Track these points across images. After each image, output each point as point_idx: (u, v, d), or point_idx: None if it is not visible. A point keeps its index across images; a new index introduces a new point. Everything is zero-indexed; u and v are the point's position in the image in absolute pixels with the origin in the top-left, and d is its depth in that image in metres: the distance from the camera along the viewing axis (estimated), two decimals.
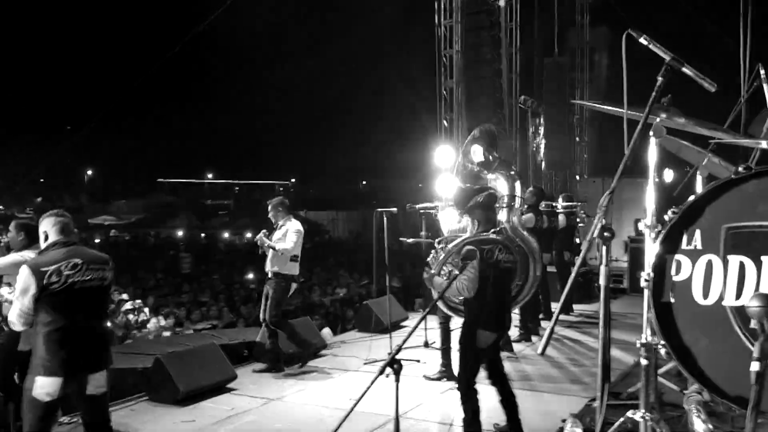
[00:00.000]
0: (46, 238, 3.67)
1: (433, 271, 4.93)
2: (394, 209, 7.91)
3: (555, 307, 9.16)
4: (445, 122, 13.37)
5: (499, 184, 6.12)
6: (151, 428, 5.23)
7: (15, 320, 3.50)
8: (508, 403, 4.58)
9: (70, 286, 3.47)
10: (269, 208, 7.06)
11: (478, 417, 4.40)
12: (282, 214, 6.95)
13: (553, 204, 9.30)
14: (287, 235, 6.81)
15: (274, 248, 6.72)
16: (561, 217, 9.26)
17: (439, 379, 6.42)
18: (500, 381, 4.64)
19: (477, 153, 6.05)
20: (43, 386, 3.41)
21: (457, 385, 4.54)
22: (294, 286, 6.97)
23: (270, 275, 6.85)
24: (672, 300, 2.92)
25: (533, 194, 8.43)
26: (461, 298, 4.63)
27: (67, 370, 3.45)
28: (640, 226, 2.89)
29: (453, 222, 6.48)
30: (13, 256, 4.78)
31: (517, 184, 6.13)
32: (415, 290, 13.94)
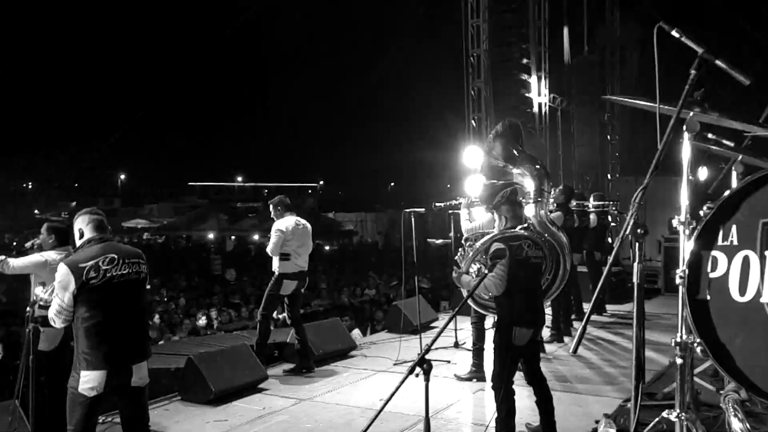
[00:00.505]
0: (82, 235, 3.73)
1: (461, 270, 4.92)
2: (423, 209, 7.89)
3: (587, 307, 9.06)
4: (473, 122, 13.33)
5: (525, 179, 6.02)
6: (183, 428, 5.30)
7: (54, 317, 3.56)
8: (545, 403, 4.54)
9: (108, 281, 3.53)
10: (270, 207, 7.13)
11: (512, 416, 4.37)
12: (279, 213, 6.97)
13: (585, 203, 9.19)
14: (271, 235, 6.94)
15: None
16: (592, 216, 9.15)
17: (470, 379, 6.39)
18: (538, 381, 4.61)
19: (500, 148, 5.98)
20: (88, 381, 3.46)
21: (491, 384, 4.51)
22: (290, 283, 6.90)
23: None
24: (708, 297, 2.85)
25: (562, 192, 8.34)
26: (491, 295, 4.60)
27: (110, 362, 3.50)
28: (674, 222, 2.84)
29: (469, 220, 6.46)
30: (34, 256, 4.91)
31: (545, 179, 6.01)
32: (441, 292, 13.91)
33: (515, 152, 6.00)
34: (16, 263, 4.89)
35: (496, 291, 4.32)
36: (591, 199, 9.43)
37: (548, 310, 8.21)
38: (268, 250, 6.93)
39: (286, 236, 6.82)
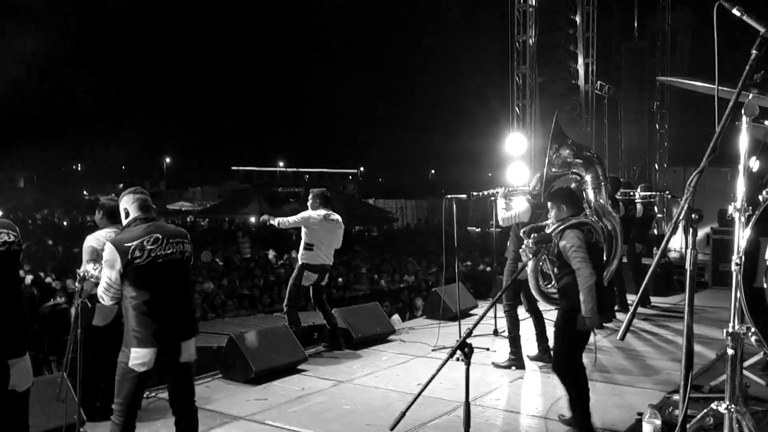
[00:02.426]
0: (127, 215, 3.78)
1: (525, 261, 4.79)
2: (464, 196, 7.83)
3: (630, 298, 8.89)
4: (517, 109, 13.14)
5: (581, 167, 5.95)
6: (225, 405, 5.38)
7: (103, 294, 3.63)
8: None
9: (153, 260, 3.58)
10: (309, 196, 7.18)
11: (585, 401, 4.37)
12: (317, 204, 7.00)
13: (631, 192, 8.99)
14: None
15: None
16: (639, 207, 8.94)
17: (508, 366, 6.33)
18: (577, 371, 4.55)
19: (564, 155, 5.87)
20: (138, 357, 3.54)
21: (558, 370, 4.52)
22: (311, 275, 6.96)
23: None
24: (765, 285, 2.75)
25: (609, 183, 8.21)
26: (553, 284, 4.57)
27: (160, 339, 3.57)
28: (730, 209, 2.74)
29: (506, 209, 6.38)
30: (90, 241, 4.98)
31: (601, 166, 5.95)
32: (483, 278, 13.79)
33: (574, 159, 5.92)
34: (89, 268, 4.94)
35: (591, 275, 4.24)
36: (638, 189, 9.21)
37: None
38: (279, 220, 7.03)
39: (311, 224, 6.87)
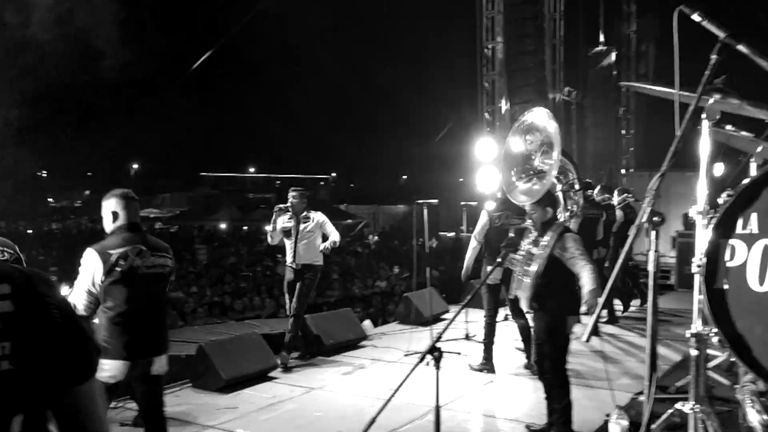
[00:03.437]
0: (115, 218, 3.60)
1: (519, 271, 4.77)
2: (435, 200, 7.87)
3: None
4: (486, 115, 13.24)
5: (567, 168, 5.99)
6: (194, 414, 5.31)
7: (78, 303, 3.47)
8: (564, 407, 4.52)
9: (133, 272, 3.47)
10: (302, 199, 6.94)
11: (570, 410, 4.40)
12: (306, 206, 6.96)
13: (609, 197, 9.12)
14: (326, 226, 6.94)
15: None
16: (619, 213, 8.94)
17: (480, 370, 6.37)
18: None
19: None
20: (109, 369, 3.43)
21: (548, 377, 4.51)
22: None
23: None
24: (726, 287, 2.80)
25: (602, 190, 8.62)
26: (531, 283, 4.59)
27: (131, 352, 3.48)
28: (692, 212, 2.79)
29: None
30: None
31: (575, 170, 6.02)
32: (455, 284, 13.83)
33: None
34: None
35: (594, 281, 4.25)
36: (615, 193, 9.28)
37: None
38: (338, 238, 6.97)
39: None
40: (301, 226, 6.80)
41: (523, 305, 4.68)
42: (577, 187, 5.76)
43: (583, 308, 4.12)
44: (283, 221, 6.84)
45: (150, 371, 3.60)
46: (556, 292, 4.41)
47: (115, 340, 3.45)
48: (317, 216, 6.91)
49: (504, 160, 4.81)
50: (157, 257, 3.60)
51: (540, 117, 4.65)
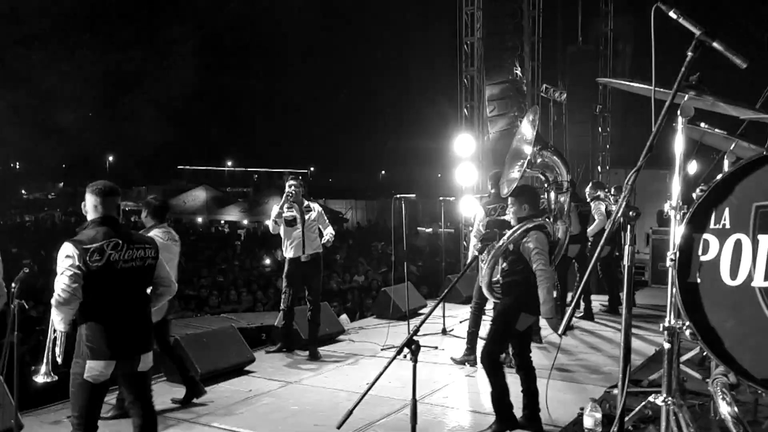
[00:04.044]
0: (94, 210, 3.54)
1: (487, 260, 4.80)
2: (413, 195, 7.87)
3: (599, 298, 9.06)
4: (465, 110, 13.26)
5: (549, 168, 6.00)
6: (169, 408, 5.27)
7: (61, 301, 3.32)
8: (531, 392, 4.58)
9: (111, 266, 3.39)
10: (301, 188, 6.81)
11: (507, 393, 4.45)
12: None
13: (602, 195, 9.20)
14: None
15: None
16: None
17: (463, 362, 6.43)
18: (527, 369, 4.66)
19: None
20: (94, 369, 3.36)
21: (481, 363, 4.57)
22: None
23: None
24: (698, 280, 2.85)
25: (594, 186, 8.79)
26: (497, 277, 4.61)
27: (114, 352, 3.40)
28: (666, 207, 2.83)
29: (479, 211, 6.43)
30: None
31: (568, 169, 6.02)
32: (433, 279, 13.90)
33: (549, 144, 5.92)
34: None
35: (552, 275, 4.34)
36: (612, 190, 9.33)
37: None
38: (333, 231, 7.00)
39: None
40: (306, 216, 6.73)
41: (485, 293, 4.80)
42: (564, 188, 5.75)
43: (542, 319, 4.22)
44: (284, 210, 6.70)
45: (136, 368, 3.54)
46: (513, 288, 4.46)
47: (98, 339, 3.36)
48: (316, 206, 6.89)
49: (509, 155, 4.87)
50: (134, 250, 3.51)
51: (532, 113, 4.76)
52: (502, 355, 4.61)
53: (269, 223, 6.89)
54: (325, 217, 6.98)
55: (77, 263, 3.31)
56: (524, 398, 4.60)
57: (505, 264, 4.55)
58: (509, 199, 4.66)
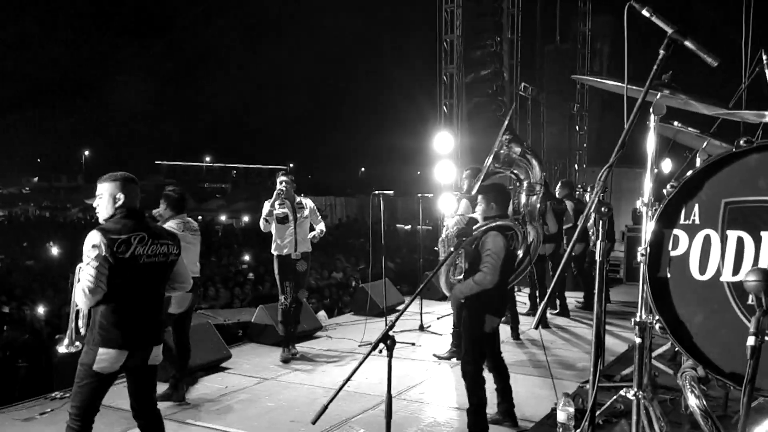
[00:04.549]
0: (115, 202, 3.48)
1: (444, 256, 4.82)
2: (391, 192, 7.88)
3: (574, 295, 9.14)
4: (444, 108, 13.30)
5: (523, 168, 5.82)
6: None
7: (87, 290, 3.28)
8: (505, 391, 4.60)
9: (135, 259, 3.35)
10: (293, 183, 6.64)
11: (484, 409, 4.38)
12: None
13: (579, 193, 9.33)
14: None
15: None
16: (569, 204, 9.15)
17: (449, 358, 6.49)
18: (500, 369, 4.65)
19: (511, 153, 5.77)
20: (106, 358, 3.32)
21: (462, 373, 4.48)
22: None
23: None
24: (668, 275, 2.89)
25: (563, 186, 8.84)
26: (459, 278, 4.61)
27: (128, 343, 3.36)
28: (638, 204, 2.86)
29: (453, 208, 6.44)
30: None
31: (541, 171, 5.89)
32: (411, 275, 13.93)
33: (525, 144, 5.83)
34: None
35: (490, 283, 4.24)
36: (588, 189, 9.48)
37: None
38: (324, 227, 6.88)
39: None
40: (298, 213, 6.56)
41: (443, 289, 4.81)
42: (537, 189, 5.73)
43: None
44: (276, 207, 6.50)
45: (147, 361, 3.49)
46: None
47: (113, 328, 3.33)
48: (309, 202, 6.75)
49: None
50: (158, 245, 3.47)
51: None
52: (483, 366, 4.48)
53: (260, 221, 6.62)
54: (318, 214, 6.85)
55: (104, 253, 3.28)
56: (498, 395, 4.62)
57: (466, 264, 4.51)
58: (478, 197, 4.65)
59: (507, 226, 4.43)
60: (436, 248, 5.66)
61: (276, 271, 6.64)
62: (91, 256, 3.29)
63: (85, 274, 3.30)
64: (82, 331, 3.61)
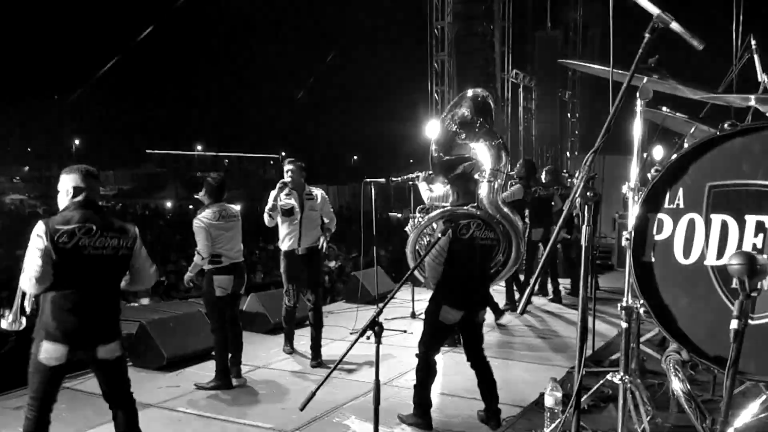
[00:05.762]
0: (69, 194, 3.43)
1: (410, 239, 4.86)
2: (383, 180, 7.87)
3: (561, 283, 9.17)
4: (436, 95, 13.28)
5: (481, 154, 5.59)
6: (135, 393, 5.18)
7: (32, 278, 3.25)
8: (488, 388, 4.50)
9: (78, 251, 3.30)
10: (301, 173, 6.12)
11: (426, 387, 4.38)
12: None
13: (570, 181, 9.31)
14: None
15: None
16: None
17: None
18: (480, 366, 4.53)
19: (461, 113, 5.69)
20: (49, 351, 3.29)
21: (417, 352, 4.47)
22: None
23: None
24: (653, 259, 2.90)
25: (522, 166, 8.43)
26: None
27: (71, 339, 3.31)
28: (624, 188, 2.87)
29: (430, 190, 6.35)
30: (196, 224, 5.32)
31: (503, 155, 5.59)
32: (403, 263, 13.95)
33: (476, 120, 5.56)
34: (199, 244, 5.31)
35: (429, 271, 4.30)
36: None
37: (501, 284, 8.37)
38: (335, 223, 6.32)
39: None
40: (306, 204, 6.02)
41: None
42: (488, 176, 5.54)
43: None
44: (281, 199, 5.95)
45: (96, 357, 3.42)
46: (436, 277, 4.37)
47: (57, 323, 3.29)
48: (320, 192, 6.16)
49: None
50: (107, 238, 3.39)
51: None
52: (437, 354, 4.46)
53: (264, 216, 6.02)
54: (330, 206, 6.24)
55: (46, 243, 3.25)
56: (482, 392, 4.52)
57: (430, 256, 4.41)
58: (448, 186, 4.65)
59: (464, 214, 4.38)
60: (405, 229, 5.60)
61: (282, 269, 6.18)
62: (33, 245, 3.27)
63: (30, 263, 3.27)
64: (27, 310, 3.59)
